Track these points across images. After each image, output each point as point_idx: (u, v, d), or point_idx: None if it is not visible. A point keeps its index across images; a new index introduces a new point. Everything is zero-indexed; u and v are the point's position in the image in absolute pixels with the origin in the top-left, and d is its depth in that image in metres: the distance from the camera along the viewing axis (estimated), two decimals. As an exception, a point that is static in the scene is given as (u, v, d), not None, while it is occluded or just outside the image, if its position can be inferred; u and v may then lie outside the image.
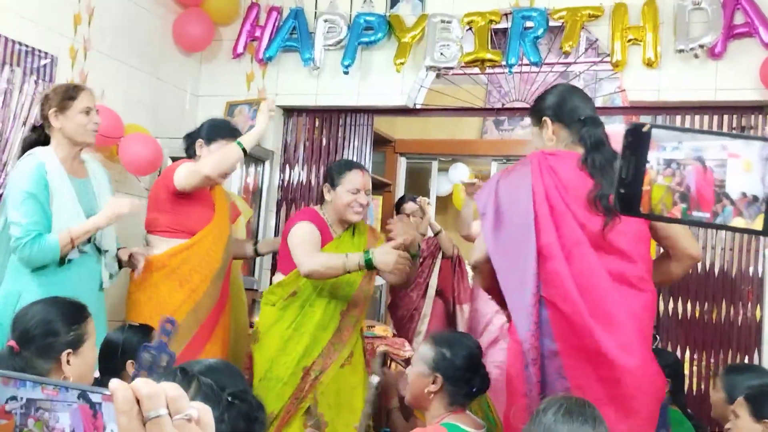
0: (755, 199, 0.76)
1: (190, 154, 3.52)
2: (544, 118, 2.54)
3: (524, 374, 2.33)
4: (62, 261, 3.00)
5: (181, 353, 2.90)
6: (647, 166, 0.76)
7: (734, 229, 0.76)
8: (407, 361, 3.64)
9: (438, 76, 4.56)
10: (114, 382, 0.70)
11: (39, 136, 3.13)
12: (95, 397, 0.70)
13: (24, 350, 2.14)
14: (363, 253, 3.08)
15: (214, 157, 3.24)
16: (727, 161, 0.76)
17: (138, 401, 0.69)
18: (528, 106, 4.52)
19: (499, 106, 4.75)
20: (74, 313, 2.30)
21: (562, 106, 2.53)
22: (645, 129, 0.76)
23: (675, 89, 4.03)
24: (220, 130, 3.50)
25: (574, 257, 2.31)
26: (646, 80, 4.06)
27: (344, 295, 3.26)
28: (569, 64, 4.45)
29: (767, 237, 0.77)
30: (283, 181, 4.83)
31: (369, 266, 3.07)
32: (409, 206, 4.83)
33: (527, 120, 6.39)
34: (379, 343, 3.88)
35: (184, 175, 3.24)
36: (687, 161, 0.76)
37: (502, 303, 2.48)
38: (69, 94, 3.07)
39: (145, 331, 2.80)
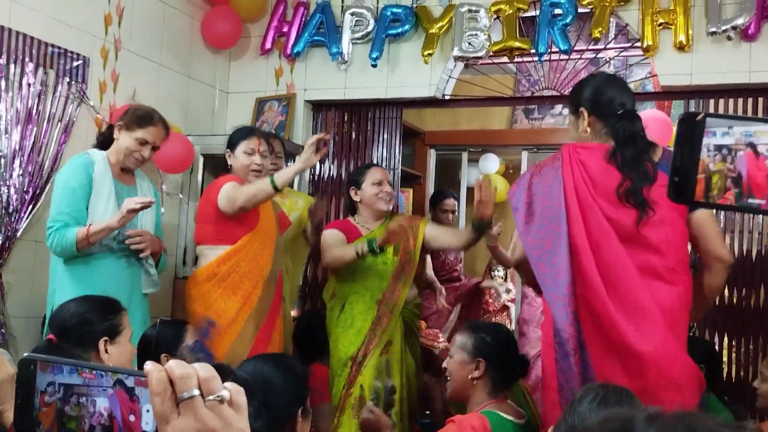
0: None
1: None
2: (581, 108, 2.53)
3: (555, 367, 2.32)
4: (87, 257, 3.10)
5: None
6: (723, 146, 0.75)
7: None
8: (442, 355, 3.64)
9: (466, 66, 4.53)
10: (149, 364, 0.71)
11: (104, 140, 3.33)
12: (130, 382, 0.71)
13: (62, 342, 2.19)
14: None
15: (249, 190, 3.27)
16: None
17: (171, 383, 0.70)
18: (558, 94, 4.49)
19: (528, 94, 4.72)
20: (108, 306, 2.37)
21: (598, 98, 2.50)
22: (699, 118, 0.75)
23: (708, 73, 3.96)
24: (237, 134, 3.54)
25: (601, 250, 2.32)
26: (678, 64, 4.00)
27: (377, 287, 3.47)
28: (599, 50, 4.40)
29: None
30: (313, 175, 4.83)
31: (371, 245, 3.33)
32: (449, 202, 4.76)
33: (557, 108, 6.39)
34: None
35: (225, 201, 3.29)
36: (738, 147, 0.75)
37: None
38: (140, 122, 3.21)
39: (178, 325, 2.83)
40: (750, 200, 0.75)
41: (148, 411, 0.71)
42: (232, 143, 3.51)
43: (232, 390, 0.73)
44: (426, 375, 3.54)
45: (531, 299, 4.43)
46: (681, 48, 3.97)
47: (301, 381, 2.04)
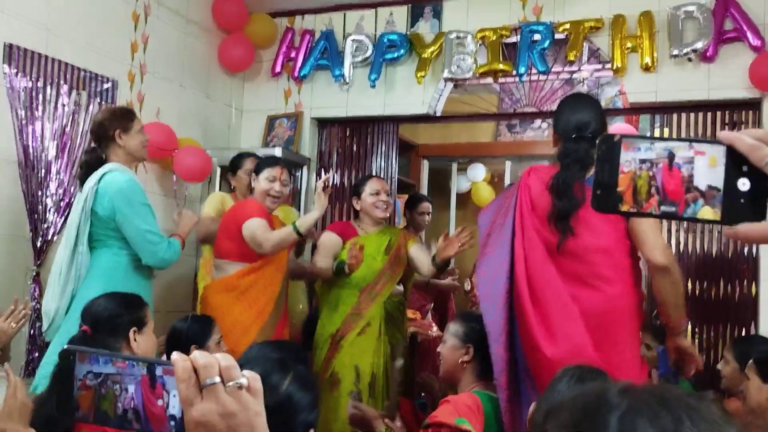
0: (718, 190, 0.75)
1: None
2: (555, 135, 2.56)
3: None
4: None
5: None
6: (625, 166, 0.77)
7: (697, 221, 0.77)
8: (435, 341, 3.66)
9: (455, 86, 4.56)
10: (175, 354, 0.73)
11: (95, 158, 3.11)
12: (157, 370, 0.72)
13: (96, 333, 2.20)
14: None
15: (276, 239, 3.28)
16: (695, 158, 0.76)
17: (195, 371, 0.72)
18: (537, 110, 4.52)
19: (511, 111, 4.74)
20: (133, 300, 2.38)
21: (562, 120, 2.51)
22: (616, 139, 0.77)
23: (671, 91, 3.99)
24: (265, 161, 3.56)
25: (529, 260, 2.38)
26: (644, 83, 4.03)
27: (364, 277, 3.52)
28: (574, 71, 4.43)
29: (726, 225, 0.77)
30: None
31: (339, 267, 3.46)
32: (425, 205, 4.73)
33: (537, 123, 6.41)
34: (408, 326, 3.89)
35: (250, 239, 3.30)
36: (659, 159, 0.77)
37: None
38: (129, 115, 3.12)
39: (207, 320, 2.84)
40: (668, 207, 0.76)
41: (174, 396, 0.72)
42: (258, 168, 3.50)
43: (250, 377, 0.74)
44: (427, 374, 3.55)
45: None
46: (647, 69, 4.00)
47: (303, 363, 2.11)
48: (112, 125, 3.06)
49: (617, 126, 4.35)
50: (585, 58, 4.32)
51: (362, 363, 3.40)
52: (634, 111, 4.34)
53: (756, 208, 0.74)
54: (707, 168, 0.75)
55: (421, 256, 3.60)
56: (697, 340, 3.96)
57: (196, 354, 0.73)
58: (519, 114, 4.66)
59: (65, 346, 0.75)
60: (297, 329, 3.78)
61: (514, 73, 4.26)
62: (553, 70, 4.26)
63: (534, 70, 4.23)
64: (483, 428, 2.18)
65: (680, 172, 0.76)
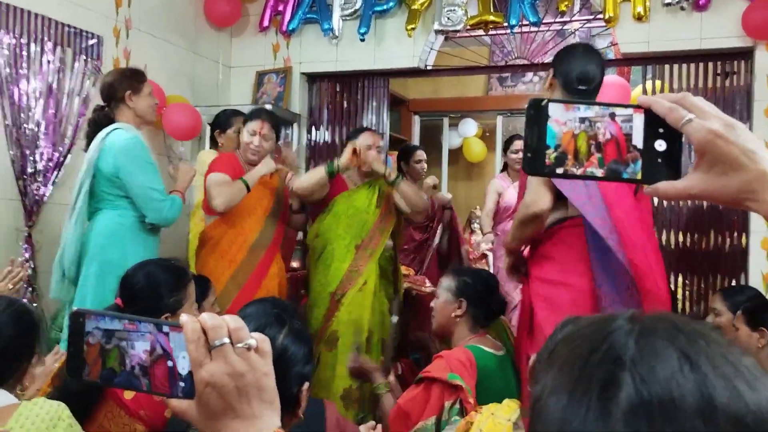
0: (638, 151, 0.79)
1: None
2: (553, 79, 2.48)
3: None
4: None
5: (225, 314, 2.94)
6: (565, 126, 0.79)
7: (620, 180, 0.80)
8: (430, 296, 3.67)
9: (446, 39, 4.49)
10: (184, 316, 0.72)
11: (104, 117, 3.06)
12: (165, 330, 0.72)
13: (128, 308, 2.13)
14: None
15: (225, 193, 3.29)
16: (633, 116, 0.79)
17: (204, 332, 0.71)
18: (529, 62, 4.46)
19: (502, 64, 4.68)
20: (178, 278, 2.26)
21: (563, 68, 2.45)
22: (543, 103, 0.79)
23: (663, 40, 3.94)
24: (248, 114, 3.56)
25: (623, 206, 2.29)
26: (636, 33, 3.98)
27: (357, 233, 3.48)
28: (565, 22, 4.37)
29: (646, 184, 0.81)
30: (310, 140, 4.82)
31: (331, 169, 3.39)
32: (420, 153, 4.68)
33: (528, 76, 6.35)
34: (402, 281, 3.90)
35: (207, 193, 3.34)
36: (598, 118, 0.79)
37: (523, 266, 2.50)
38: (140, 77, 3.09)
39: (203, 281, 2.82)
40: (613, 164, 0.79)
41: (183, 357, 0.72)
42: (244, 121, 3.52)
43: (258, 339, 0.74)
44: (420, 332, 3.56)
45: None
46: (639, 18, 3.95)
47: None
48: (123, 86, 3.02)
49: (609, 78, 4.30)
50: (576, 8, 4.25)
51: (361, 320, 3.40)
52: (626, 62, 4.30)
53: (672, 167, 0.78)
54: (631, 130, 0.79)
55: (407, 191, 3.53)
56: (687, 291, 3.99)
57: (205, 315, 0.73)
58: (510, 66, 4.61)
59: (74, 308, 0.75)
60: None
61: (505, 24, 4.20)
62: (544, 21, 4.20)
63: (525, 22, 4.17)
64: (476, 383, 2.20)
65: (621, 133, 0.79)
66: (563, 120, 0.79)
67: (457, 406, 2.02)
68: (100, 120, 3.05)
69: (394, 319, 3.16)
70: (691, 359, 0.54)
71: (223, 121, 3.90)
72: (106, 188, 2.97)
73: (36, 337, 1.87)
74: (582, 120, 0.79)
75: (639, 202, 2.34)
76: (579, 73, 2.42)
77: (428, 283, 4.10)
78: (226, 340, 0.72)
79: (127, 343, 0.72)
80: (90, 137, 3.05)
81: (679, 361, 0.54)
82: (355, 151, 3.37)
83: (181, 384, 0.72)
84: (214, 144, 4.08)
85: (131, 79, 3.05)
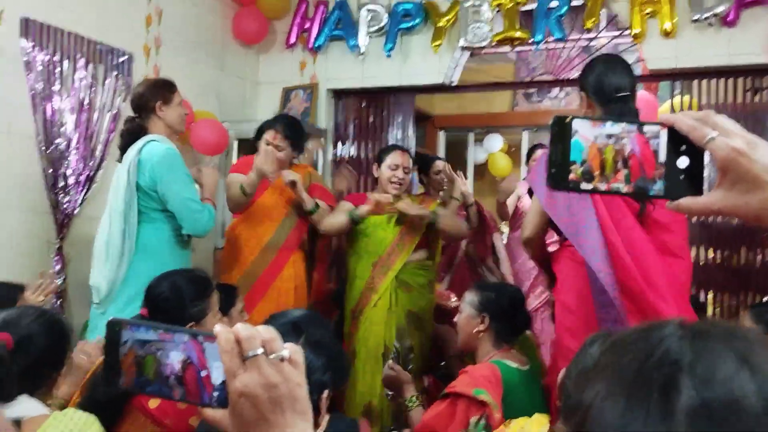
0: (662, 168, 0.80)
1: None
2: (582, 93, 2.45)
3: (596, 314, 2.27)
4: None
5: None
6: (591, 142, 0.79)
7: (643, 197, 0.80)
8: (453, 312, 3.65)
9: (471, 55, 4.50)
10: (218, 326, 0.73)
11: (136, 128, 3.09)
12: (201, 339, 0.73)
13: (153, 318, 2.15)
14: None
15: (229, 195, 3.44)
16: (659, 133, 0.80)
17: (239, 343, 0.72)
18: (554, 78, 4.46)
19: (528, 80, 4.68)
20: (200, 288, 2.29)
21: (598, 83, 2.40)
22: (567, 120, 0.80)
23: (691, 57, 3.91)
24: (265, 123, 3.59)
25: (621, 229, 2.25)
26: (664, 50, 3.96)
27: (374, 250, 3.49)
28: (591, 38, 4.36)
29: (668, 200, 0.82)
30: (335, 156, 4.84)
31: (351, 215, 3.45)
32: (439, 163, 4.67)
33: (554, 92, 6.34)
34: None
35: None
36: (625, 135, 0.80)
37: (549, 273, 2.48)
38: (170, 88, 3.11)
39: (230, 289, 2.84)
40: (641, 180, 0.80)
41: (217, 367, 0.73)
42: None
43: (291, 350, 0.75)
44: (442, 325, 3.55)
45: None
46: (667, 34, 3.93)
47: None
48: (154, 97, 3.05)
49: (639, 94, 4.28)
50: (603, 24, 4.25)
51: (375, 336, 3.40)
52: (653, 78, 4.27)
53: (695, 184, 0.80)
54: (657, 147, 0.80)
55: (447, 224, 3.54)
56: (718, 309, 3.94)
57: (239, 326, 0.73)
58: (536, 82, 4.61)
59: (111, 318, 0.76)
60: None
61: (531, 40, 4.20)
62: (570, 37, 4.19)
63: (551, 38, 4.17)
64: (501, 398, 2.18)
65: (651, 149, 0.80)
66: (590, 136, 0.80)
67: (483, 421, 2.01)
68: (133, 130, 3.08)
69: (406, 342, 3.19)
70: (749, 361, 0.55)
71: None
72: (143, 202, 2.99)
73: (66, 347, 1.90)
74: (608, 136, 0.80)
75: (649, 224, 2.26)
76: (611, 84, 2.38)
77: (453, 298, 4.08)
78: (260, 350, 0.72)
79: (162, 353, 0.74)
80: (123, 149, 3.07)
81: (737, 363, 0.55)
82: (377, 203, 3.39)
83: (215, 393, 0.73)
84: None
85: (162, 89, 3.08)
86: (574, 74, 4.34)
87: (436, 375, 3.57)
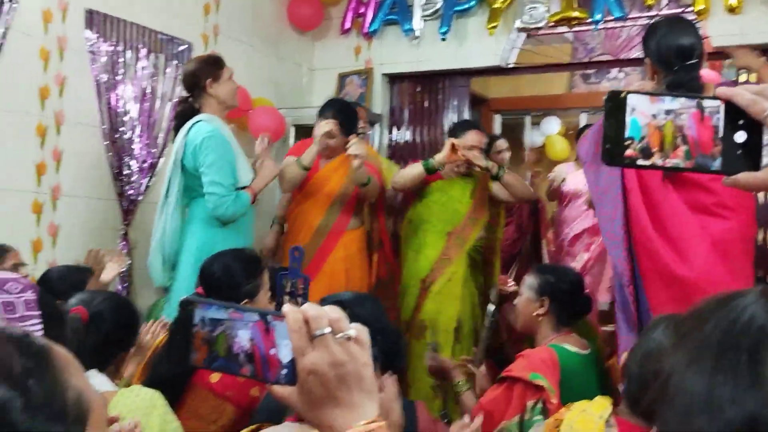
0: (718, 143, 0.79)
1: None
2: (646, 58, 2.37)
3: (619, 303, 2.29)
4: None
5: None
6: (649, 118, 0.79)
7: (709, 172, 0.80)
8: (512, 296, 3.64)
9: (528, 36, 4.44)
10: (287, 306, 0.75)
11: (187, 109, 3.15)
12: (270, 319, 0.75)
13: (208, 296, 2.22)
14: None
15: (287, 176, 3.43)
16: (718, 107, 0.78)
17: (306, 322, 0.74)
18: (613, 58, 4.36)
19: (586, 60, 4.60)
20: (253, 266, 2.36)
21: (660, 48, 2.31)
22: (622, 95, 0.79)
23: (757, 32, 3.78)
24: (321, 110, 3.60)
25: (650, 190, 2.24)
26: (728, 26, 3.83)
27: (450, 220, 3.48)
28: (652, 16, 4.24)
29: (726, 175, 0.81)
30: (391, 140, 4.86)
31: (429, 167, 3.40)
32: (501, 143, 4.61)
33: (613, 72, 6.20)
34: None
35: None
36: (684, 110, 0.79)
37: None
38: (219, 63, 3.14)
39: (278, 271, 2.88)
40: (700, 156, 0.79)
41: (286, 346, 0.75)
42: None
43: (358, 329, 0.77)
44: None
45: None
46: (732, 10, 3.80)
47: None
48: (203, 74, 3.09)
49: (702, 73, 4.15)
50: (664, 1, 4.13)
51: (449, 310, 3.39)
52: (717, 56, 4.13)
53: (752, 159, 0.78)
54: (718, 122, 0.79)
55: (511, 181, 3.53)
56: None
57: (307, 306, 0.76)
58: (594, 63, 4.52)
59: (184, 297, 0.78)
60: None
61: (589, 20, 4.12)
62: (630, 15, 4.09)
63: (610, 17, 4.08)
64: (560, 382, 2.17)
65: (710, 124, 0.78)
66: (647, 112, 0.79)
67: (540, 405, 2.00)
68: (185, 111, 3.14)
69: (490, 308, 3.12)
70: None
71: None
72: (191, 182, 3.07)
73: (135, 329, 1.98)
74: (667, 112, 0.79)
75: (682, 183, 2.23)
76: (677, 48, 2.28)
77: (511, 282, 4.06)
78: (328, 330, 0.74)
79: (232, 331, 0.76)
80: (176, 129, 3.15)
81: None
82: (453, 147, 3.35)
83: (283, 371, 0.75)
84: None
85: (211, 66, 3.12)
86: (634, 54, 4.24)
87: (493, 359, 3.57)
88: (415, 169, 3.48)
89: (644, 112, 0.79)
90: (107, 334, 1.85)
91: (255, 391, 2.16)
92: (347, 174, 3.51)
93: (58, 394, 0.57)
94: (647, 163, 0.79)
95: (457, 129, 3.59)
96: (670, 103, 0.78)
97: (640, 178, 2.26)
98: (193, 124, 3.05)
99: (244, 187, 3.12)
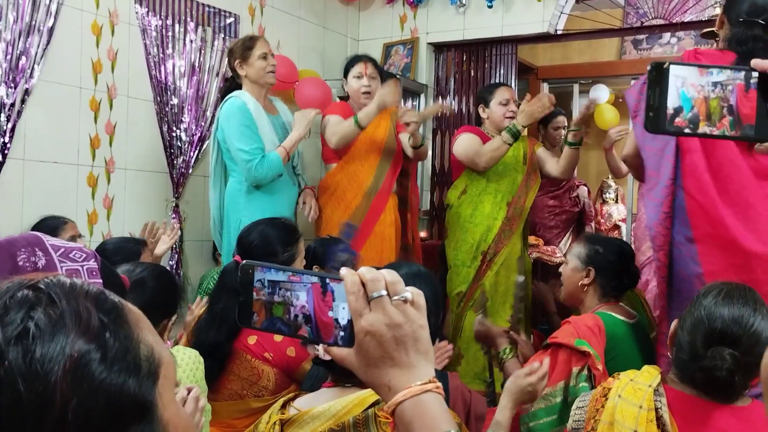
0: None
1: None
2: (722, 16, 2.23)
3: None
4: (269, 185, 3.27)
5: None
6: (695, 88, 0.81)
7: (733, 137, 0.81)
8: (557, 267, 3.63)
9: (577, 2, 4.36)
10: (344, 270, 0.78)
11: (231, 86, 3.37)
12: (328, 281, 0.78)
13: None
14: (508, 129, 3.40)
15: (339, 133, 3.44)
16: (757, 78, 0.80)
17: (363, 285, 0.77)
18: (666, 22, 4.26)
19: (637, 25, 4.50)
20: (289, 234, 2.44)
21: (731, 2, 2.19)
22: (665, 66, 0.81)
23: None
24: (348, 63, 3.70)
25: (715, 151, 2.12)
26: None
27: (508, 190, 3.49)
28: (707, -22, 4.12)
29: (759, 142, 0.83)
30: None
31: (514, 132, 3.36)
32: (561, 119, 4.55)
33: (666, 38, 6.06)
34: (531, 251, 3.88)
35: (325, 135, 3.52)
36: (730, 81, 0.81)
37: None
38: (247, 44, 3.30)
39: (327, 241, 2.95)
40: (746, 126, 0.81)
41: (343, 308, 0.77)
42: (344, 72, 3.65)
43: (414, 293, 0.79)
44: (539, 282, 3.55)
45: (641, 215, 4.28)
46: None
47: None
48: (234, 56, 3.31)
49: None
50: (720, -38, 4.00)
51: (508, 281, 3.41)
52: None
53: None
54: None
55: (547, 158, 3.60)
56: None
57: (364, 269, 0.78)
58: (646, 27, 4.41)
59: (244, 261, 0.81)
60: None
61: (641, -17, 4.02)
62: (684, -22, 3.98)
63: (663, -20, 3.97)
64: (606, 350, 2.17)
65: (754, 95, 0.80)
66: (696, 83, 0.81)
67: (585, 372, 2.01)
68: (227, 89, 3.38)
69: (520, 278, 3.16)
70: None
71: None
72: (226, 156, 3.28)
73: (175, 298, 2.06)
74: (714, 84, 0.81)
75: (751, 149, 2.11)
76: (748, 5, 2.15)
77: (558, 254, 4.05)
78: (384, 292, 0.76)
79: (291, 294, 0.78)
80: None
81: None
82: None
83: (341, 333, 0.78)
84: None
85: (240, 47, 3.30)
86: (688, 17, 4.13)
87: (538, 328, 3.58)
88: (495, 143, 3.43)
89: (693, 83, 0.80)
90: (149, 301, 1.92)
91: (291, 351, 2.24)
92: (389, 129, 3.55)
93: (132, 349, 0.61)
94: (695, 131, 0.81)
95: (486, 93, 3.65)
96: (717, 75, 0.80)
97: (709, 141, 2.10)
98: (225, 101, 3.24)
99: None
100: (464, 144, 3.54)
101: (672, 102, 0.80)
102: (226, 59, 3.39)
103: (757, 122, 0.79)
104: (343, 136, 3.43)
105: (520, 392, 1.77)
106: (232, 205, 3.26)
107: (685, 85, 0.80)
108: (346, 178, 3.56)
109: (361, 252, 3.43)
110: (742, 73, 0.80)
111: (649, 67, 0.82)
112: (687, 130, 0.81)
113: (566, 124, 4.52)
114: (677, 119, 0.80)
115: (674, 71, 0.80)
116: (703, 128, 0.80)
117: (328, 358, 1.27)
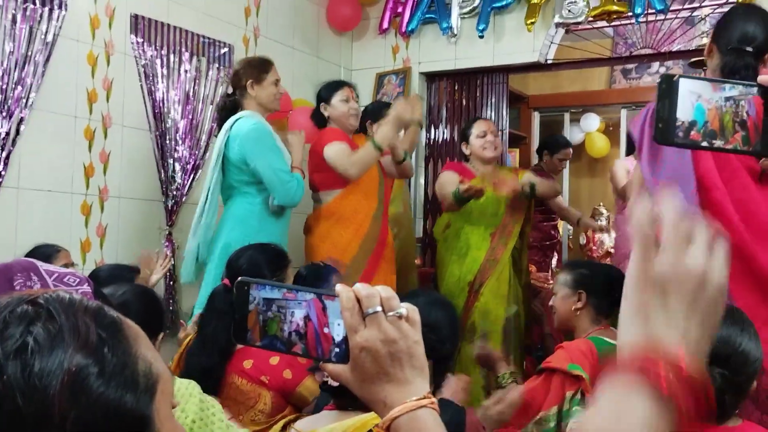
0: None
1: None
2: (711, 44, 2.22)
3: None
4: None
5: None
6: (708, 103, 0.82)
7: (737, 152, 0.82)
8: (549, 294, 3.65)
9: (567, 32, 4.43)
10: (339, 286, 0.79)
11: (231, 103, 3.28)
12: (323, 298, 0.79)
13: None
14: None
15: (359, 160, 3.32)
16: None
17: (359, 301, 0.78)
18: (655, 52, 4.33)
19: (626, 55, 4.57)
20: (278, 260, 2.46)
21: (722, 30, 2.18)
22: (675, 78, 0.82)
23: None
24: (330, 87, 3.63)
25: (733, 186, 2.08)
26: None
27: (491, 222, 3.54)
28: (695, 8, 4.20)
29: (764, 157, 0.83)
30: (429, 139, 4.89)
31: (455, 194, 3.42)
32: (568, 152, 4.57)
33: (654, 67, 6.14)
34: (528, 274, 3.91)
35: (337, 166, 3.34)
36: (743, 97, 0.81)
37: None
38: (264, 67, 3.26)
39: (316, 267, 2.94)
40: (755, 144, 0.82)
41: (338, 324, 0.78)
42: (326, 97, 3.56)
43: (409, 309, 0.79)
44: (535, 303, 3.58)
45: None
46: (776, 1, 3.74)
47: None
48: (246, 75, 3.23)
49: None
50: (706, -7, 4.09)
51: (498, 310, 3.43)
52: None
53: None
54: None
55: (544, 191, 3.67)
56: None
57: (359, 285, 0.78)
58: (635, 57, 4.49)
59: (240, 278, 0.81)
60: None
61: (630, 13, 4.10)
62: (671, 8, 4.06)
63: (651, 10, 4.05)
64: (598, 373, 2.18)
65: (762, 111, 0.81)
66: (709, 98, 0.82)
67: (578, 396, 2.02)
68: (227, 106, 3.27)
69: (512, 309, 3.19)
70: None
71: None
72: (235, 175, 3.17)
73: (161, 316, 2.07)
74: (727, 99, 0.82)
75: (765, 184, 2.07)
76: (739, 32, 2.14)
77: (551, 280, 4.07)
78: (379, 308, 0.77)
79: (286, 311, 0.79)
80: (219, 124, 3.27)
81: None
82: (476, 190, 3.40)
83: (336, 349, 0.78)
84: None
85: (255, 68, 3.25)
86: (676, 47, 4.20)
87: (533, 355, 3.58)
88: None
89: (707, 98, 0.82)
90: (134, 322, 1.93)
91: (288, 374, 2.24)
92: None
93: (130, 364, 0.62)
94: (707, 145, 0.82)
95: (465, 130, 3.80)
96: (729, 90, 0.82)
97: (721, 172, 2.07)
98: (237, 119, 3.17)
99: None
100: (443, 182, 3.67)
101: (684, 115, 0.82)
102: (233, 77, 3.31)
103: (763, 137, 0.81)
104: (365, 164, 3.34)
105: (489, 422, 1.79)
106: (240, 226, 3.13)
107: (701, 100, 0.82)
108: (356, 200, 3.47)
109: (380, 266, 3.44)
110: (755, 89, 0.82)
111: (659, 80, 0.83)
112: (704, 143, 0.82)
113: (571, 156, 4.62)
114: (692, 132, 0.82)
115: (684, 84, 0.82)
116: (717, 142, 0.82)
117: (335, 384, 1.28)
